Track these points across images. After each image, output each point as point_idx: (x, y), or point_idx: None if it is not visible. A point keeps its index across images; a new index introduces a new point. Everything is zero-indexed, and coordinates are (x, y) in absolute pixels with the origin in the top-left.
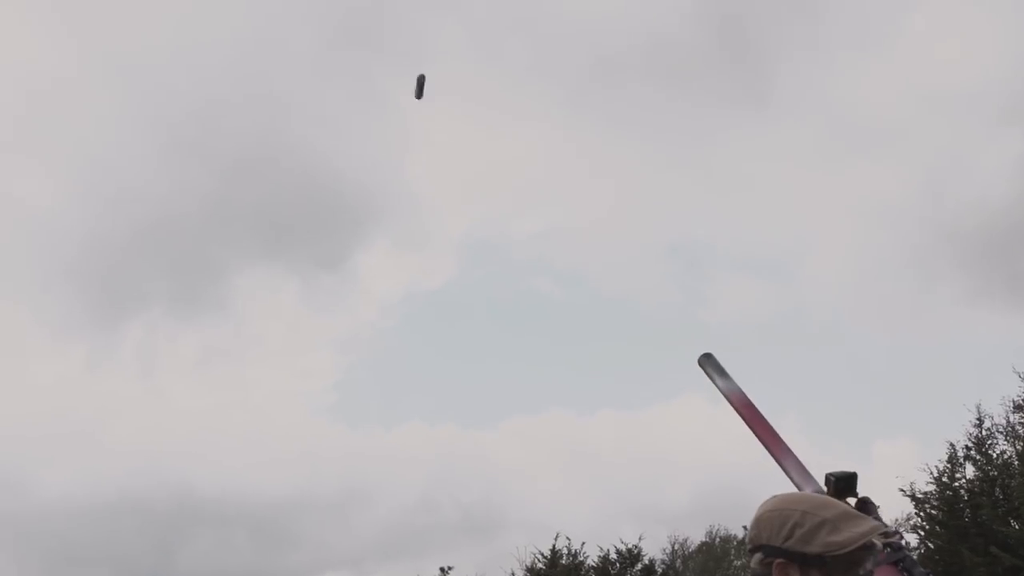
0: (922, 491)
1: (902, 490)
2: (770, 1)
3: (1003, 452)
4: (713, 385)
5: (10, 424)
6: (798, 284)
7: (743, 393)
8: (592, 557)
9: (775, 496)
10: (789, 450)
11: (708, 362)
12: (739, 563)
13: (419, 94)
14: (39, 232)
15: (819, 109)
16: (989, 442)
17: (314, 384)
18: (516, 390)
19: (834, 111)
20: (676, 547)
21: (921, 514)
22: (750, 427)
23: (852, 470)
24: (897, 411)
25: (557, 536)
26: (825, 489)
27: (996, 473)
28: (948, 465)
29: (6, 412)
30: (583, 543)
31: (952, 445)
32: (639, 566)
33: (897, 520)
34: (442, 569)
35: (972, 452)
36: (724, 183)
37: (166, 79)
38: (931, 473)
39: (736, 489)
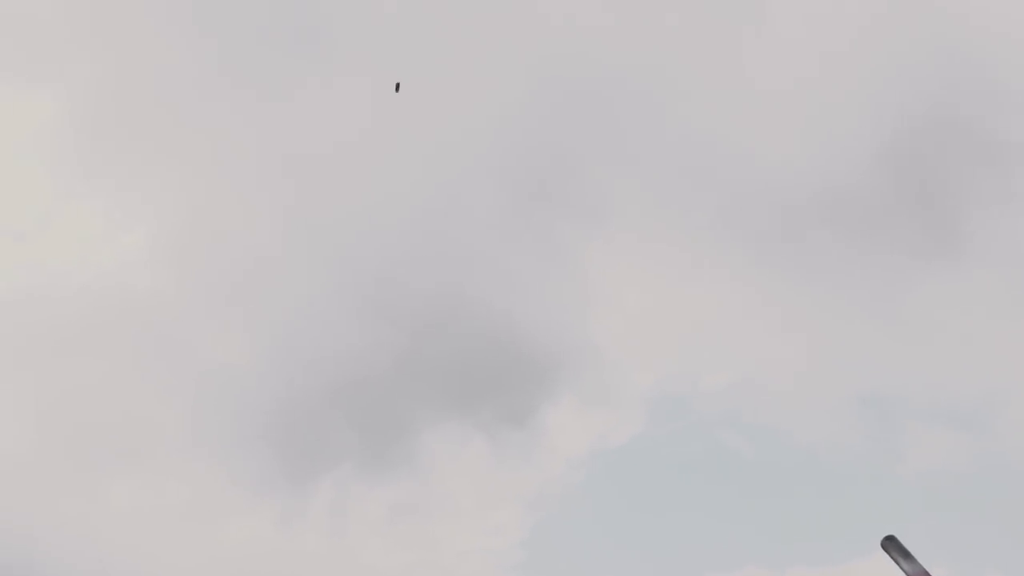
0: None
1: None
2: (952, 151)
3: None
4: (899, 568)
5: None
6: (995, 436)
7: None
8: None
9: None
10: None
11: (892, 545)
12: None
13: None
14: (240, 394)
15: (1012, 257)
16: None
17: (502, 541)
18: (707, 546)
19: None
20: None
21: None
22: None
23: None
24: None
25: None
26: None
27: None
28: None
29: (203, 570)
30: None
31: None
32: None
33: None
34: None
35: None
36: (916, 332)
37: (356, 243)
38: None
39: None
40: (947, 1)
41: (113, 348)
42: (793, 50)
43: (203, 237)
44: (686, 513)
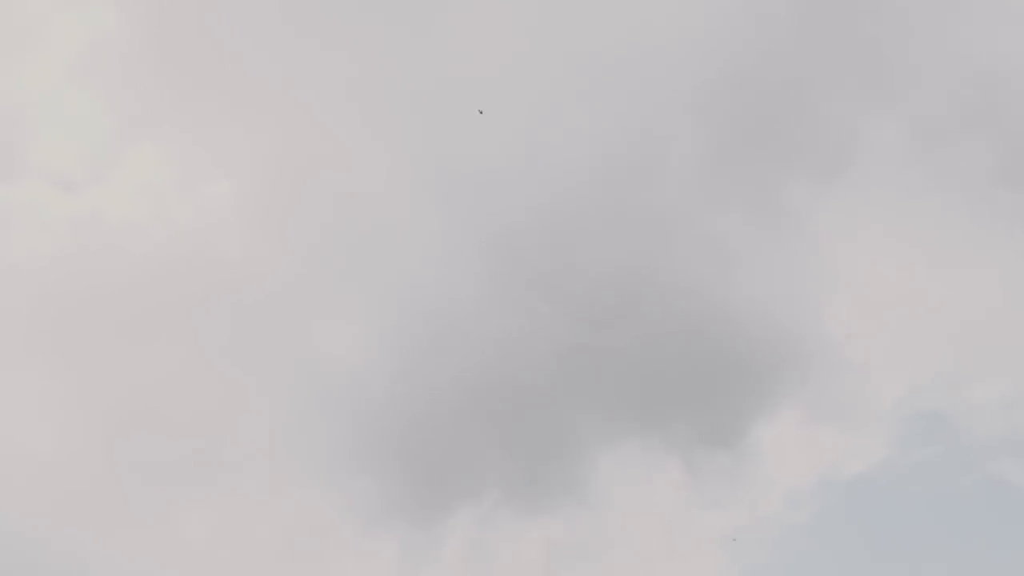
0: None
1: None
2: None
3: None
4: None
5: None
6: None
7: None
8: None
9: None
10: None
11: None
12: None
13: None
14: (352, 397)
15: None
16: None
17: None
18: None
19: None
20: None
21: None
22: None
23: None
24: None
25: None
26: None
27: None
28: None
29: None
30: None
31: None
32: None
33: None
34: None
35: None
36: None
37: (504, 202)
38: None
39: None
40: None
41: (188, 333)
42: None
43: (304, 192)
44: (947, 566)
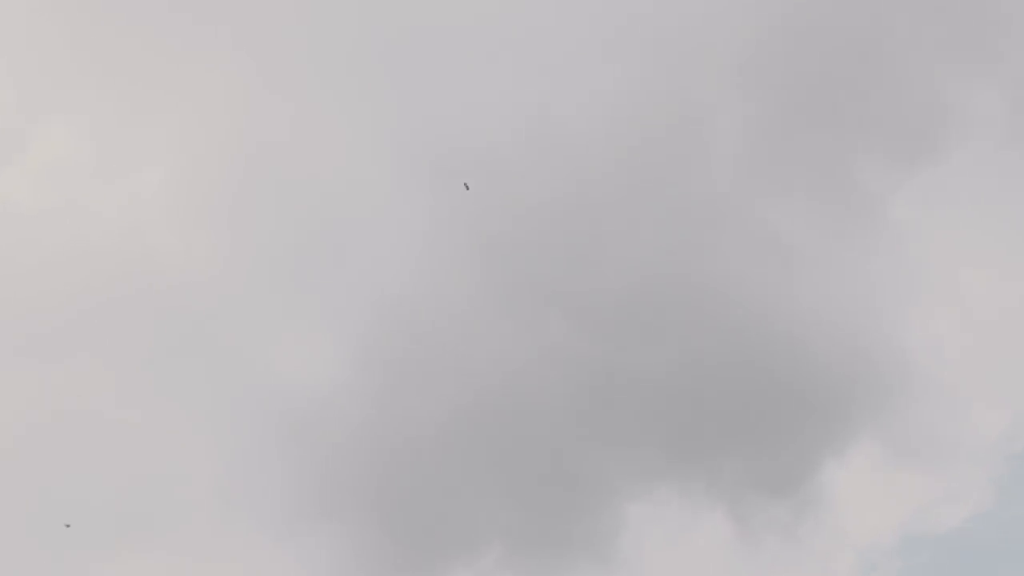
0: None
1: None
2: None
3: None
4: None
5: None
6: None
7: None
8: None
9: None
10: None
11: None
12: None
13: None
14: (317, 434)
15: None
16: None
17: None
18: None
19: None
20: None
21: None
22: None
23: None
24: None
25: None
26: None
27: None
28: None
29: None
30: None
31: None
32: None
33: None
34: None
35: None
36: None
37: (500, 187)
38: None
39: None
40: None
41: (109, 346)
42: None
43: (250, 180)
44: None
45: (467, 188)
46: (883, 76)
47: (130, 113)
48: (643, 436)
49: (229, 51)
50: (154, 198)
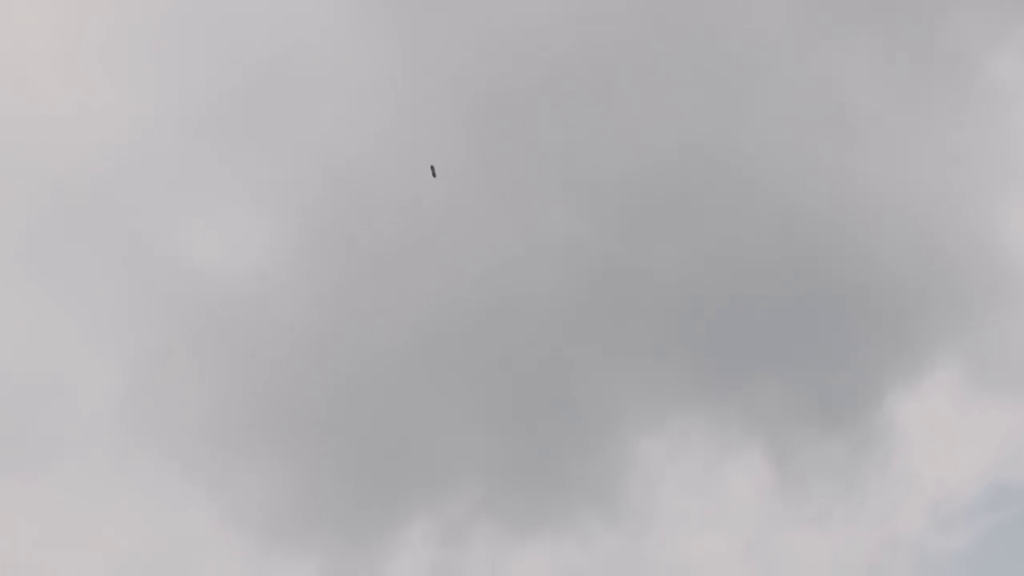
0: None
1: None
2: None
3: None
4: None
5: None
6: None
7: None
8: None
9: None
10: None
11: None
12: None
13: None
14: (245, 350)
15: None
16: None
17: None
18: None
19: None
20: None
21: None
22: None
23: None
24: None
25: None
26: None
27: None
28: None
29: None
30: None
31: None
32: None
33: None
34: None
35: None
36: None
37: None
38: None
39: None
40: None
41: None
42: None
43: (171, 10)
44: None
45: (434, 174)
46: None
47: None
48: (660, 351)
49: None
50: (37, 38)
